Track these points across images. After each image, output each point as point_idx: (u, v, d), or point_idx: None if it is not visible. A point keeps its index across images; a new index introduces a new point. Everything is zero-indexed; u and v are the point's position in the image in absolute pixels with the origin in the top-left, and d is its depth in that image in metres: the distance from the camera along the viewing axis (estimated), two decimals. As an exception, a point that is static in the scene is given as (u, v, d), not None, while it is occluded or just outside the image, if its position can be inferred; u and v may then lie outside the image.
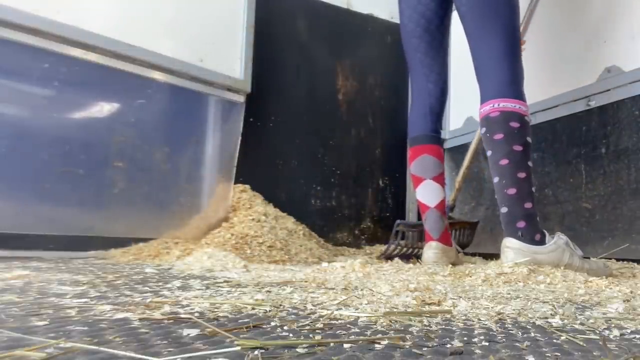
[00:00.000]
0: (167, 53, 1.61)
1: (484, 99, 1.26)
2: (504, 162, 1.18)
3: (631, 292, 0.78)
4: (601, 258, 1.33)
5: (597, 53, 1.51)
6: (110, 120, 1.51)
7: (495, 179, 1.21)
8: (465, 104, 2.14)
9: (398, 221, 1.57)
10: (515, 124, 1.20)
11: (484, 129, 1.24)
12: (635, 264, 1.24)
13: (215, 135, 1.76)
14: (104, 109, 1.52)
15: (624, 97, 1.40)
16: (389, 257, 1.57)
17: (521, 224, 1.16)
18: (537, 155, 1.70)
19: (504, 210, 1.19)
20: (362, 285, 0.80)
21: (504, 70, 1.24)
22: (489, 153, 1.23)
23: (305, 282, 0.84)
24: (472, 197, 2.01)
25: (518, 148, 1.19)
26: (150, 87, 1.60)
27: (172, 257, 1.36)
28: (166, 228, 1.60)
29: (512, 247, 1.14)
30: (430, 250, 1.44)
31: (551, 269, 1.05)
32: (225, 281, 0.83)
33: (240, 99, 1.81)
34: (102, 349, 0.35)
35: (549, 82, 1.68)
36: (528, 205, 1.17)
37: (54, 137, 1.40)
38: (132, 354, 0.34)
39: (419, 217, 2.12)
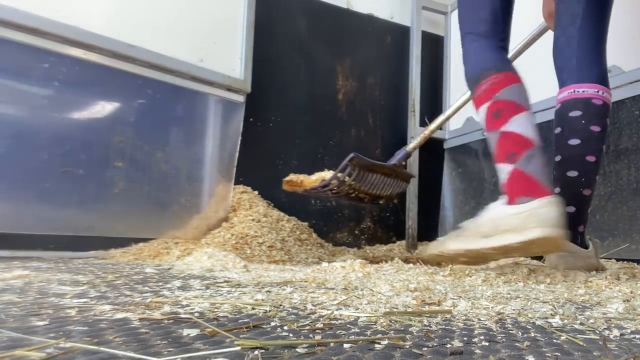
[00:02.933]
0: (167, 53, 1.62)
1: (581, 80, 1.12)
2: (591, 158, 1.07)
3: (631, 292, 0.78)
4: (601, 258, 1.33)
5: (597, 53, 1.50)
6: (110, 120, 1.51)
7: (573, 173, 1.08)
8: (465, 104, 2.14)
9: (353, 154, 1.35)
10: (607, 121, 1.11)
11: (579, 113, 1.09)
12: (635, 264, 1.24)
13: (215, 135, 1.76)
14: (104, 109, 1.52)
15: (624, 97, 1.40)
16: (324, 186, 1.39)
17: (581, 228, 1.09)
18: (537, 155, 1.70)
19: (570, 210, 1.08)
20: (362, 285, 0.80)
21: (604, 58, 1.13)
22: (575, 141, 1.08)
23: (305, 282, 0.84)
24: (472, 197, 2.01)
25: (602, 148, 1.10)
26: (150, 87, 1.60)
27: (172, 257, 1.36)
28: (166, 228, 1.60)
29: (571, 252, 1.05)
30: (554, 207, 0.96)
31: (550, 269, 1.05)
32: (225, 281, 0.83)
33: (240, 99, 1.81)
34: (102, 349, 0.35)
35: (549, 82, 1.68)
36: (589, 208, 1.11)
37: (54, 137, 1.40)
38: (132, 354, 0.34)
39: (420, 218, 2.13)
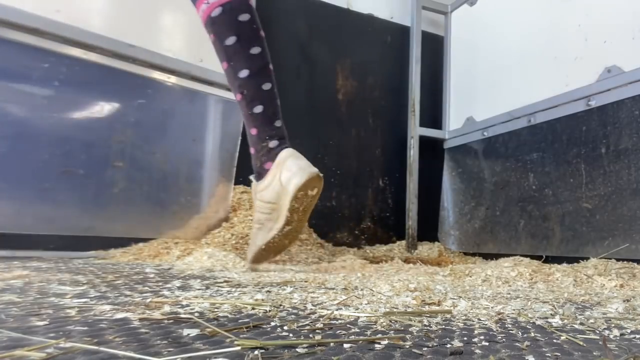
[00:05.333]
0: (167, 53, 1.62)
1: None
2: (267, 85, 1.07)
3: (631, 292, 0.78)
4: (601, 258, 1.33)
5: (597, 53, 1.51)
6: (110, 120, 1.51)
7: (266, 85, 1.07)
8: (465, 104, 2.14)
9: None
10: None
11: (247, 16, 1.09)
12: (635, 264, 1.24)
13: (215, 135, 1.76)
14: (104, 109, 1.52)
15: (624, 97, 1.40)
16: None
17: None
18: (537, 155, 1.70)
19: (259, 109, 1.08)
20: (362, 285, 0.80)
21: None
22: (257, 50, 1.07)
23: (305, 282, 0.84)
24: (472, 197, 2.01)
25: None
26: (150, 87, 1.60)
27: (172, 257, 1.36)
28: (166, 228, 1.60)
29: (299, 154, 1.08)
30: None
31: (550, 268, 1.05)
32: (225, 281, 0.83)
33: (240, 99, 1.81)
34: (102, 349, 0.35)
35: (549, 82, 1.69)
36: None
37: (54, 137, 1.40)
38: (132, 354, 0.34)
39: (420, 218, 2.13)
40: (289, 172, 1.03)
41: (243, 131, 1.81)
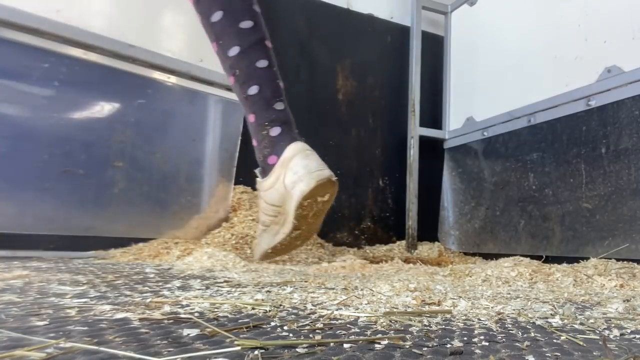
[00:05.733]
0: (167, 53, 1.62)
1: None
2: (263, 63, 0.94)
3: (631, 292, 0.78)
4: (601, 258, 1.33)
5: (597, 53, 1.51)
6: (110, 120, 1.51)
7: (263, 62, 0.93)
8: (465, 104, 2.14)
9: None
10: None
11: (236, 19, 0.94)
12: (635, 264, 1.24)
13: (215, 135, 1.76)
14: (104, 109, 1.52)
15: (624, 97, 1.40)
16: None
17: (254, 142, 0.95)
18: (537, 155, 1.70)
19: (265, 94, 0.95)
20: (362, 285, 0.80)
21: None
22: (247, 23, 0.92)
23: (305, 282, 0.84)
24: (472, 197, 2.01)
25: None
26: (150, 87, 1.60)
27: (172, 257, 1.36)
28: (166, 228, 1.60)
29: (311, 150, 0.93)
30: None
31: (550, 268, 1.05)
32: (225, 281, 0.83)
33: (240, 99, 1.81)
34: (102, 349, 0.35)
35: (549, 82, 1.69)
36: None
37: (54, 137, 1.40)
38: (132, 354, 0.34)
39: (420, 218, 2.13)
40: (295, 175, 0.88)
41: (243, 131, 1.81)
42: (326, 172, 0.88)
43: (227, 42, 0.95)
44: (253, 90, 0.94)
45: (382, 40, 2.26)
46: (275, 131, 0.95)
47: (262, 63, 0.94)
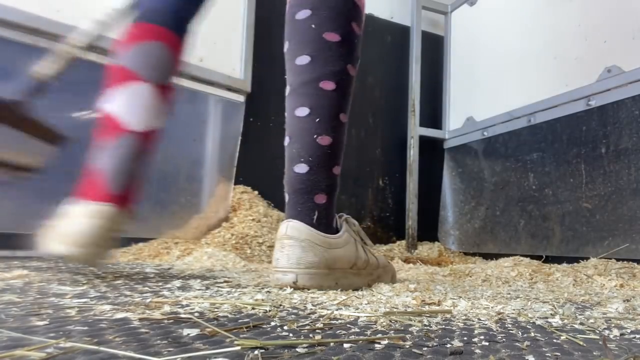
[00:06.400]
0: (167, 53, 1.61)
1: None
2: (329, 85, 0.76)
3: (631, 291, 0.78)
4: (601, 258, 1.33)
5: (597, 53, 1.51)
6: (110, 120, 1.51)
7: (303, 110, 0.76)
8: (465, 104, 2.14)
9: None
10: (357, 29, 0.78)
11: (307, 12, 0.76)
12: (635, 264, 1.25)
13: (215, 135, 1.76)
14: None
15: (624, 97, 1.40)
16: None
17: (322, 199, 0.75)
18: (537, 155, 1.70)
19: (301, 169, 0.75)
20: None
21: None
22: (303, 59, 0.75)
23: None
24: (472, 197, 2.01)
25: (351, 69, 0.79)
26: (150, 87, 1.59)
27: (172, 257, 1.36)
28: (166, 228, 1.60)
29: (294, 237, 0.72)
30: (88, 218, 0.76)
31: (550, 268, 1.05)
32: (225, 281, 0.83)
33: (240, 98, 1.81)
34: (102, 349, 0.35)
35: (549, 82, 1.69)
36: (337, 169, 0.77)
37: (54, 137, 1.40)
38: (132, 354, 0.34)
39: (420, 218, 2.13)
40: (273, 260, 0.74)
41: (243, 131, 1.81)
42: (287, 278, 0.71)
43: (287, 79, 0.79)
44: (286, 141, 0.78)
45: (382, 40, 2.26)
46: (286, 198, 0.77)
47: (301, 111, 0.75)
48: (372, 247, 0.86)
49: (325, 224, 0.75)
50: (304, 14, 0.75)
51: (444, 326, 0.48)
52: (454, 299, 0.66)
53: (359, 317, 0.52)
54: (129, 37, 0.84)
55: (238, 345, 0.37)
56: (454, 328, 0.47)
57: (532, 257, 1.57)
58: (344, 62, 0.75)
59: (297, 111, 0.76)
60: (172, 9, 0.86)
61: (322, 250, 0.72)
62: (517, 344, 0.41)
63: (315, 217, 0.74)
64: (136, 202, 0.82)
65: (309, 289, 0.71)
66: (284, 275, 0.71)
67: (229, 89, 1.78)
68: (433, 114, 2.29)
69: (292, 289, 0.71)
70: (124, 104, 0.79)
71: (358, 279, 0.77)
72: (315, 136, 0.74)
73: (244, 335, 0.42)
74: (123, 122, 0.79)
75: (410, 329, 0.46)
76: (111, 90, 0.81)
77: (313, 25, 0.74)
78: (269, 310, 0.54)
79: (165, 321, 0.47)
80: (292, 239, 0.71)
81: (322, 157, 0.74)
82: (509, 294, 0.75)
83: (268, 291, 0.70)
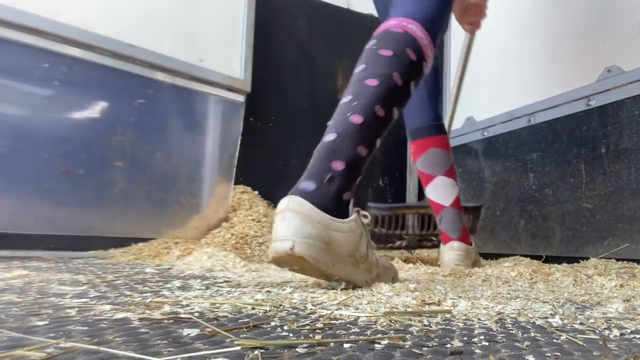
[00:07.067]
0: (167, 53, 1.62)
1: (392, 17, 0.98)
2: (373, 82, 0.87)
3: (631, 291, 0.78)
4: (601, 258, 1.33)
5: (597, 53, 1.51)
6: (110, 120, 1.51)
7: (346, 98, 0.88)
8: (465, 104, 2.14)
9: (370, 203, 1.50)
10: (411, 54, 0.91)
11: (372, 42, 0.94)
12: (635, 264, 1.25)
13: (215, 135, 1.76)
14: (104, 109, 1.52)
15: (624, 97, 1.40)
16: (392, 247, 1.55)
17: (339, 165, 0.80)
18: (537, 155, 1.70)
19: (329, 137, 0.84)
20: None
21: (428, 4, 0.99)
22: (359, 67, 0.93)
23: (306, 282, 0.84)
24: (472, 197, 2.01)
25: (398, 80, 0.88)
26: (150, 87, 1.60)
27: (172, 257, 1.36)
28: (166, 228, 1.60)
29: (300, 212, 0.73)
30: (452, 251, 1.30)
31: (550, 268, 1.05)
32: (225, 281, 0.83)
33: (240, 98, 1.81)
34: (102, 349, 0.35)
35: (549, 82, 1.69)
36: (363, 150, 0.82)
37: (54, 137, 1.40)
38: (132, 354, 0.34)
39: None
40: (273, 233, 0.76)
41: (243, 131, 1.81)
42: (285, 245, 0.71)
43: (348, 87, 0.94)
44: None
45: (382, 40, 2.26)
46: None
47: (345, 99, 0.89)
48: (374, 248, 0.86)
49: (335, 199, 0.77)
50: (370, 44, 0.94)
51: (444, 326, 0.48)
52: (454, 299, 0.66)
53: (359, 317, 0.52)
54: (415, 153, 1.42)
55: (238, 345, 0.37)
56: (454, 328, 0.47)
57: (532, 257, 1.57)
58: (390, 70, 0.88)
59: (342, 100, 0.88)
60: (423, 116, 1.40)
61: (321, 227, 0.73)
62: (517, 344, 0.41)
63: (326, 178, 0.77)
64: None
65: (305, 261, 0.70)
66: (281, 243, 0.71)
67: (229, 89, 1.78)
68: (433, 114, 2.28)
69: (288, 266, 0.73)
70: (435, 193, 1.38)
71: (356, 271, 0.78)
72: (348, 114, 0.84)
73: (244, 335, 0.42)
74: (439, 204, 1.37)
75: (410, 329, 0.46)
76: (425, 187, 1.41)
77: (374, 47, 0.93)
78: (269, 310, 0.54)
79: (165, 321, 0.47)
80: (293, 212, 0.73)
81: (350, 131, 0.82)
82: (509, 294, 0.75)
83: (268, 291, 0.69)
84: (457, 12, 1.41)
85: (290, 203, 0.74)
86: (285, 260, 0.72)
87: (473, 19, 1.41)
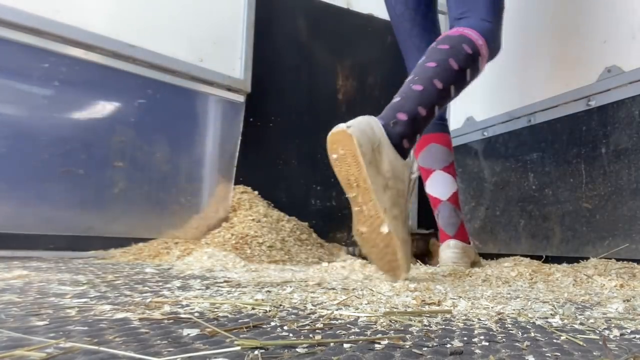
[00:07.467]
0: (167, 53, 1.61)
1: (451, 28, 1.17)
2: (431, 64, 1.05)
3: (631, 291, 0.78)
4: (601, 258, 1.33)
5: (597, 53, 1.51)
6: (110, 120, 1.51)
7: (409, 77, 1.08)
8: (465, 104, 2.14)
9: None
10: (467, 48, 1.07)
11: (434, 43, 1.12)
12: (635, 264, 1.25)
13: (215, 135, 1.76)
14: (104, 109, 1.52)
15: (624, 97, 1.40)
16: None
17: (402, 116, 0.98)
18: (537, 155, 1.70)
19: (395, 99, 1.04)
20: (362, 285, 0.80)
21: (484, 21, 1.17)
22: (421, 59, 1.09)
23: (305, 282, 0.84)
24: (472, 197, 2.01)
25: (453, 64, 1.05)
26: (150, 87, 1.60)
27: (172, 257, 1.36)
28: (166, 228, 1.60)
29: (360, 126, 0.92)
30: (449, 249, 1.31)
31: (550, 268, 1.05)
32: (225, 281, 0.83)
33: (240, 99, 1.81)
34: (102, 349, 0.35)
35: (549, 82, 1.69)
36: (422, 110, 0.99)
37: (54, 137, 1.40)
38: (132, 354, 0.34)
39: (420, 218, 2.13)
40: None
41: (243, 131, 1.81)
42: (344, 125, 0.88)
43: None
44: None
45: (382, 40, 2.26)
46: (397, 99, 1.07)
47: (408, 78, 1.08)
48: (410, 205, 1.05)
49: (396, 139, 0.95)
50: (432, 44, 1.11)
51: (444, 326, 0.48)
52: (454, 299, 0.66)
53: (359, 317, 0.52)
54: (417, 149, 1.43)
55: (238, 345, 0.37)
56: (454, 328, 0.47)
57: (532, 257, 1.57)
58: (446, 56, 1.05)
59: (406, 79, 1.07)
60: None
61: (378, 136, 0.91)
62: (517, 344, 0.41)
63: (391, 123, 0.97)
64: None
65: (352, 143, 0.86)
66: (343, 123, 0.89)
67: (229, 89, 1.78)
68: (433, 114, 2.28)
69: (336, 147, 0.88)
70: (434, 187, 1.42)
71: (382, 192, 0.89)
72: (411, 85, 1.03)
73: (244, 335, 0.42)
74: (437, 197, 1.41)
75: (410, 329, 0.46)
76: (425, 181, 1.45)
77: (434, 45, 1.09)
78: (269, 310, 0.54)
79: (165, 321, 0.47)
80: (362, 118, 0.93)
81: (410, 94, 1.02)
82: (509, 294, 0.75)
83: (268, 291, 0.70)
84: None
85: (359, 119, 0.92)
86: (336, 139, 0.90)
87: None
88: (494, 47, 1.20)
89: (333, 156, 0.91)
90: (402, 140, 0.95)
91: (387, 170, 0.89)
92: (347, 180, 0.91)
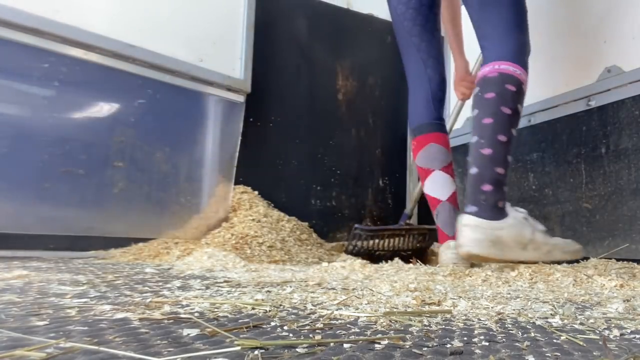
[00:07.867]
0: (167, 53, 1.62)
1: (485, 63, 1.21)
2: (488, 121, 1.12)
3: (631, 291, 0.78)
4: (601, 258, 1.33)
5: (597, 53, 1.51)
6: (110, 120, 1.51)
7: (474, 139, 1.14)
8: (465, 104, 2.14)
9: (356, 225, 1.61)
10: (510, 87, 1.14)
11: (477, 89, 1.18)
12: (635, 264, 1.24)
13: (215, 135, 1.76)
14: (104, 109, 1.52)
15: (624, 97, 1.40)
16: (349, 253, 1.63)
17: (487, 187, 1.09)
18: (537, 155, 1.70)
19: (473, 171, 1.12)
20: (362, 285, 0.80)
21: (510, 38, 1.22)
22: (474, 112, 1.17)
23: (305, 282, 0.84)
24: (472, 197, 2.01)
25: (506, 110, 1.13)
26: (150, 87, 1.60)
27: (172, 257, 1.36)
28: (166, 228, 1.60)
29: (469, 225, 1.08)
30: (449, 250, 1.31)
31: (550, 268, 1.05)
32: (225, 281, 0.83)
33: (240, 99, 1.81)
34: (102, 349, 0.35)
35: (549, 82, 1.68)
36: (500, 169, 1.11)
37: (54, 137, 1.40)
38: (132, 354, 0.34)
39: (420, 218, 2.13)
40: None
41: (243, 131, 1.81)
42: (463, 250, 1.09)
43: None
44: (472, 170, 1.17)
45: (382, 40, 2.26)
46: (474, 170, 1.17)
47: (473, 139, 1.16)
48: (542, 230, 1.15)
49: (493, 209, 1.09)
50: (476, 91, 1.19)
51: (444, 326, 0.48)
52: (454, 299, 0.66)
53: (359, 317, 0.52)
54: (416, 148, 1.46)
55: (238, 345, 0.37)
56: (454, 328, 0.47)
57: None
58: (497, 106, 1.13)
59: (471, 140, 1.15)
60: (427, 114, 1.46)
61: (486, 230, 1.08)
62: (517, 344, 0.41)
63: (482, 199, 1.10)
64: None
65: (480, 257, 1.08)
66: (460, 249, 1.09)
67: (229, 89, 1.78)
68: (433, 114, 2.28)
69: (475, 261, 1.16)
70: (433, 187, 1.43)
71: (524, 253, 1.09)
72: (480, 149, 1.12)
73: (244, 335, 0.42)
74: (436, 198, 1.42)
75: (410, 329, 0.46)
76: (423, 182, 1.47)
77: (479, 94, 1.17)
78: (269, 310, 0.54)
79: (165, 321, 0.47)
80: (466, 225, 1.09)
81: (483, 161, 1.11)
82: (509, 294, 0.75)
83: (268, 291, 0.70)
84: (455, 80, 1.67)
85: (464, 219, 1.10)
86: (469, 259, 1.13)
87: (465, 90, 1.64)
88: (527, 58, 1.27)
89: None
90: (497, 204, 1.10)
91: (509, 241, 1.08)
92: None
